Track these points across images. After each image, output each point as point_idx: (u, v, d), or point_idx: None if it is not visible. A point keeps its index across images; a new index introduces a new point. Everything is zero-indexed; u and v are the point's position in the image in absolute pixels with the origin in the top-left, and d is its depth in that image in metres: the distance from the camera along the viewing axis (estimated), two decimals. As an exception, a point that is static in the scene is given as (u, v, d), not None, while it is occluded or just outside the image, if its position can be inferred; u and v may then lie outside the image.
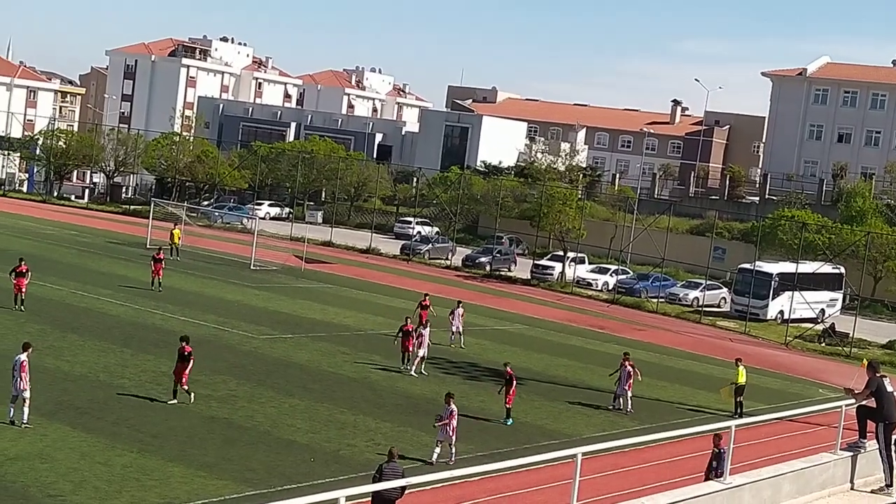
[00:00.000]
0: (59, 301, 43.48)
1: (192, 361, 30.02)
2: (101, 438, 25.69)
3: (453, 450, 26.97)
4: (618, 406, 36.00)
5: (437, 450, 26.67)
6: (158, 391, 30.83)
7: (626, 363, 36.00)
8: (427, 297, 45.42)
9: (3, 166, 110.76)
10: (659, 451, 28.84)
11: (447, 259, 78.43)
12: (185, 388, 29.79)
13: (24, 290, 40.58)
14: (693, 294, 69.12)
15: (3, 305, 40.43)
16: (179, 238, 62.33)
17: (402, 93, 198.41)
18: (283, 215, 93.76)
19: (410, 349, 37.88)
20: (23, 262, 41.58)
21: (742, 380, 37.25)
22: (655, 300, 67.32)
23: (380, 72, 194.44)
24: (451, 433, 26.83)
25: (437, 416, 27.24)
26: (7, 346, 33.45)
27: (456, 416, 27.03)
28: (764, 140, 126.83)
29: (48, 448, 24.50)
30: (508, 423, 31.79)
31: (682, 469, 27.40)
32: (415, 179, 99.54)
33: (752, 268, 65.53)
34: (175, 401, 29.50)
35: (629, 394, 35.90)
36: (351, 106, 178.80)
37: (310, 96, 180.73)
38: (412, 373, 37.24)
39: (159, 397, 30.20)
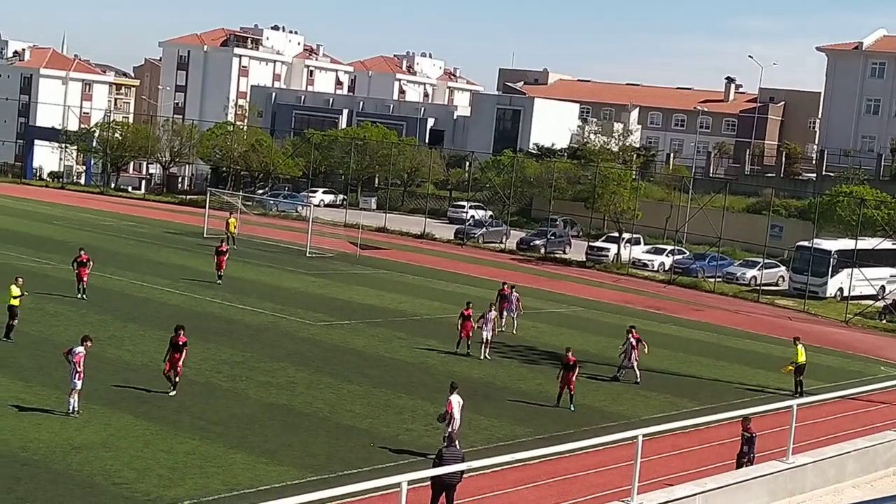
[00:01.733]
0: (118, 291, 44.00)
1: (185, 352, 29.00)
2: (163, 426, 25.99)
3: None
4: (622, 377, 36.17)
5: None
6: (219, 379, 31.16)
7: (631, 336, 36.04)
8: (506, 286, 45.03)
9: (60, 159, 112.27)
10: (719, 431, 28.63)
11: (501, 242, 78.38)
12: (177, 379, 28.75)
13: (85, 279, 41.30)
14: (750, 273, 68.54)
15: (66, 295, 40.97)
16: (235, 227, 62.74)
17: (453, 77, 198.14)
18: (338, 202, 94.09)
19: (470, 334, 37.85)
20: (83, 252, 42.25)
21: (802, 359, 36.89)
22: (712, 280, 66.83)
23: (430, 56, 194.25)
24: (448, 426, 25.11)
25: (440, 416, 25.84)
26: (70, 336, 33.91)
27: (453, 408, 25.36)
28: (820, 116, 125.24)
29: (112, 437, 24.84)
30: (572, 409, 31.65)
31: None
32: (467, 163, 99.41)
33: (810, 245, 64.85)
34: (174, 392, 28.72)
35: (635, 364, 36.01)
36: (402, 91, 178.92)
37: (361, 83, 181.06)
38: (486, 356, 37.36)
39: (220, 385, 30.52)
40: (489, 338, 37.84)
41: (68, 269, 43.20)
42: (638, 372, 36.19)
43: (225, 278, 48.28)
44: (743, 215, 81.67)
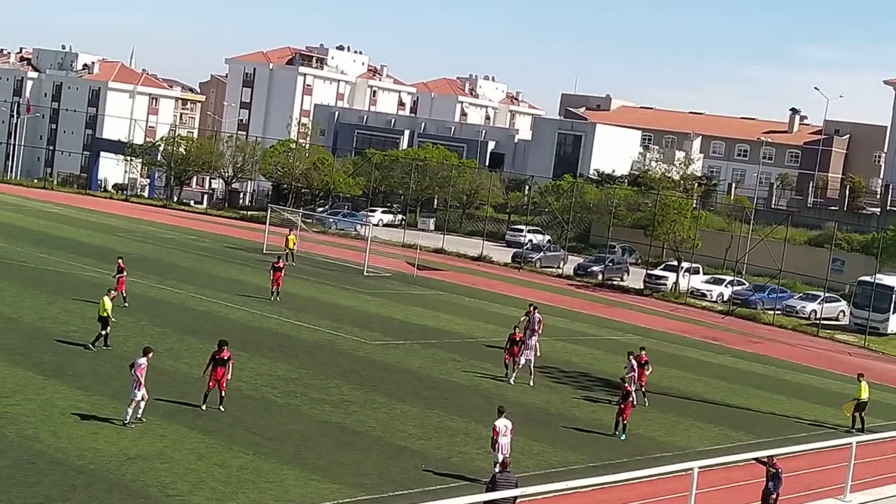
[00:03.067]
0: (178, 304, 44.40)
1: (230, 367, 28.96)
2: (217, 440, 26.16)
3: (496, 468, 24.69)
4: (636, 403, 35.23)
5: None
6: (274, 394, 31.30)
7: (632, 359, 35.26)
8: (532, 307, 44.43)
9: (125, 172, 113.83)
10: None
11: (559, 268, 78.14)
12: (223, 394, 28.80)
13: (122, 288, 41.69)
14: (810, 306, 67.75)
15: (125, 305, 41.34)
16: (294, 244, 63.06)
17: (515, 100, 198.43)
18: (396, 222, 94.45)
19: (516, 359, 37.62)
20: (121, 261, 42.86)
21: (864, 395, 36.33)
22: (771, 312, 66.14)
23: (493, 79, 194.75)
24: (497, 451, 24.91)
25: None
26: (129, 347, 34.38)
27: (498, 432, 25.11)
28: (886, 149, 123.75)
29: (167, 448, 25.03)
30: (622, 438, 31.43)
31: (798, 485, 26.84)
32: (527, 187, 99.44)
33: (872, 280, 64.04)
34: (205, 406, 28.65)
35: (636, 388, 34.60)
36: (464, 114, 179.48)
37: (423, 104, 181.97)
38: (529, 382, 37.13)
39: (275, 400, 30.67)
40: (531, 363, 37.50)
41: (130, 281, 43.62)
42: (640, 395, 35.07)
43: (282, 294, 48.49)
44: (804, 248, 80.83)
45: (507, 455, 24.58)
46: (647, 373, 36.20)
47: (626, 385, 31.75)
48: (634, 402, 34.82)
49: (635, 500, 25.09)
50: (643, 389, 35.86)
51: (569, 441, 30.64)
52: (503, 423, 25.38)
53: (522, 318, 43.23)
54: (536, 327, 41.93)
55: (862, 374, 37.40)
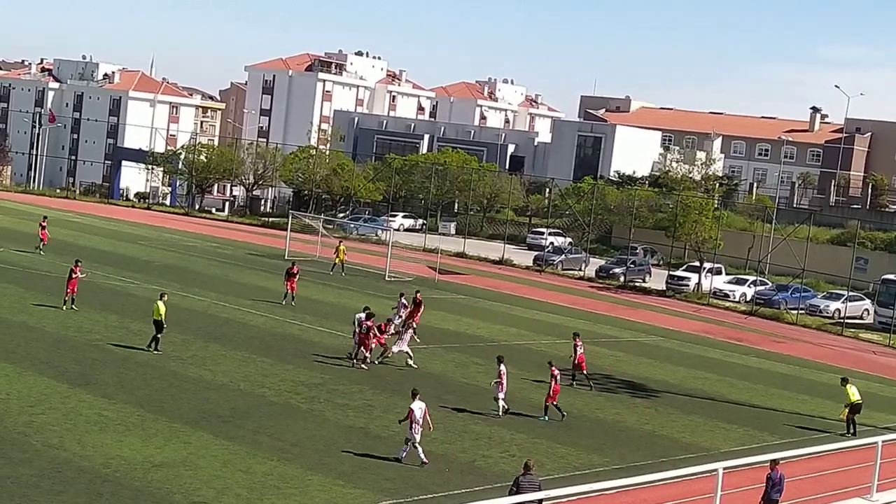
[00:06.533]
0: (201, 311, 44.56)
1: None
2: (242, 446, 26.23)
3: (416, 448, 26.42)
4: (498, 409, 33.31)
5: (406, 449, 26.45)
6: (298, 400, 31.36)
7: (502, 366, 33.24)
8: (418, 294, 45.46)
9: (147, 180, 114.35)
10: (800, 465, 28.14)
11: (580, 270, 78.03)
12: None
13: (72, 289, 41.53)
14: (834, 305, 67.43)
15: (150, 314, 41.47)
16: (345, 254, 62.68)
17: (534, 103, 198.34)
18: (417, 227, 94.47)
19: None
20: (78, 264, 42.64)
21: (855, 398, 35.54)
22: (795, 312, 65.87)
23: (512, 83, 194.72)
24: (414, 432, 26.36)
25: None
26: (150, 355, 34.62)
27: (415, 413, 26.43)
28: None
29: (192, 455, 25.12)
30: (544, 419, 32.19)
31: (824, 485, 26.75)
32: (547, 190, 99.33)
33: (896, 279, 63.75)
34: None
35: (501, 395, 32.85)
36: (483, 117, 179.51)
37: (443, 108, 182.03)
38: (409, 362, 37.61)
39: (299, 406, 30.73)
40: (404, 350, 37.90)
41: (152, 289, 43.85)
42: (501, 403, 32.83)
43: (305, 300, 48.58)
44: (827, 247, 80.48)
45: (416, 436, 26.18)
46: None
47: (553, 369, 32.59)
48: (499, 413, 33.35)
49: (660, 501, 25.02)
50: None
51: (592, 443, 30.60)
52: (418, 406, 26.58)
53: (395, 307, 44.29)
54: (401, 313, 43.10)
55: (846, 379, 36.44)
